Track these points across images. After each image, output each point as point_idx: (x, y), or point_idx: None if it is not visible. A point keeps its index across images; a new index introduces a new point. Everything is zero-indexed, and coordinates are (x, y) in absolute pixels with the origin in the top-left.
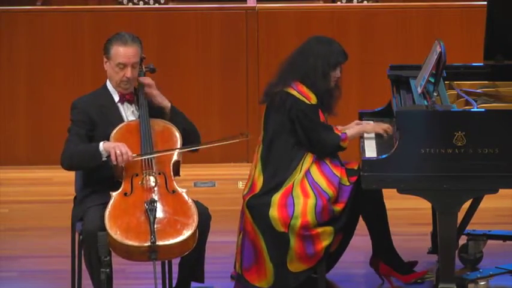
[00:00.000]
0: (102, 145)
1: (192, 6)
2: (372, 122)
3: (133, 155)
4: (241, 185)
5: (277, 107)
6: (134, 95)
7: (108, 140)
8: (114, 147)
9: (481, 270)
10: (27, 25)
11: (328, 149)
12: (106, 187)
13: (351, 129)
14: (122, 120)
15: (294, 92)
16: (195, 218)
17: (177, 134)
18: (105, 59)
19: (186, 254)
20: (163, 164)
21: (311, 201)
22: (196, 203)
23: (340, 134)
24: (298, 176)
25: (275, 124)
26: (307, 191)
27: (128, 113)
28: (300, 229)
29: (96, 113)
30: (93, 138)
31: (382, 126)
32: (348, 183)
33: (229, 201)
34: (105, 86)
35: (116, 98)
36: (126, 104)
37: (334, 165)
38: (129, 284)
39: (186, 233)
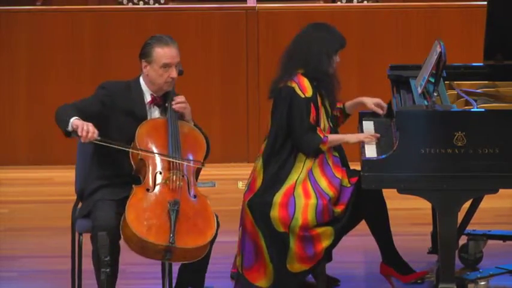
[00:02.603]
0: (73, 119)
1: (192, 6)
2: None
3: (98, 138)
4: (241, 185)
5: (280, 101)
6: (163, 99)
7: (125, 130)
8: (83, 124)
9: (481, 270)
10: (27, 25)
11: (308, 149)
12: (117, 183)
13: (335, 135)
14: (145, 119)
15: (295, 85)
16: (214, 227)
17: (203, 139)
18: (144, 63)
19: (195, 260)
20: (189, 168)
21: (312, 201)
22: None
23: (322, 136)
24: (301, 175)
25: (280, 119)
26: (309, 191)
27: (153, 114)
28: (300, 230)
29: (123, 101)
30: (107, 125)
31: (364, 134)
32: (348, 185)
33: (230, 201)
34: (138, 81)
35: (147, 98)
36: (154, 106)
37: (336, 166)
38: (130, 284)
39: (205, 241)
